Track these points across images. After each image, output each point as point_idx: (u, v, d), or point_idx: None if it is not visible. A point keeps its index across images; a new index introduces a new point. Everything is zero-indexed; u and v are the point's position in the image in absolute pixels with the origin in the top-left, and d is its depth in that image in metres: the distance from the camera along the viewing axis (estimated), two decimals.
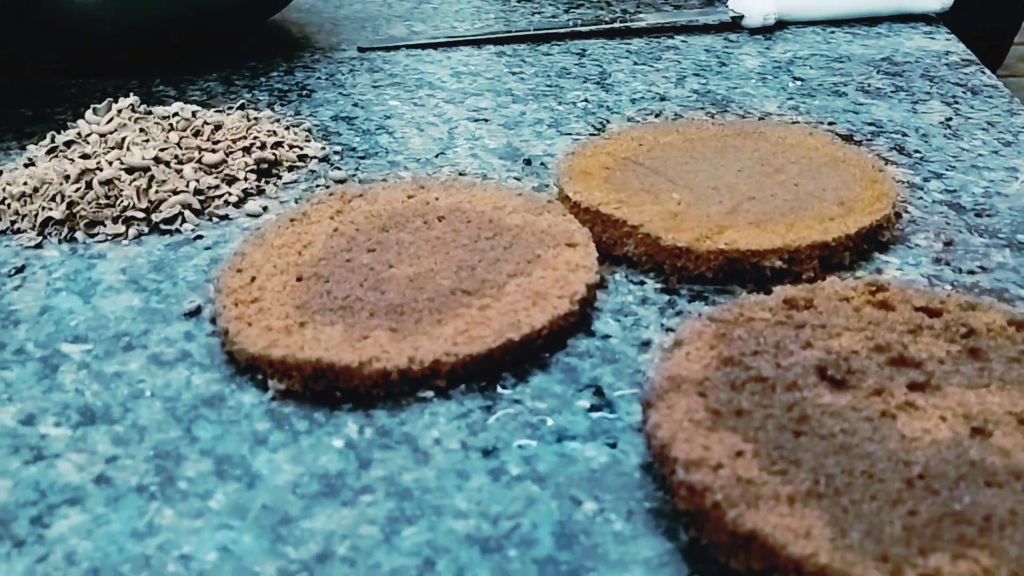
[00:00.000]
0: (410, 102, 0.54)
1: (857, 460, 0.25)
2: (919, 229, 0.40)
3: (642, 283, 0.37)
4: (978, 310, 0.31)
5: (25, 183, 0.42)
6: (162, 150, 0.43)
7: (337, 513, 0.27)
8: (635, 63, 0.59)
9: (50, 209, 0.41)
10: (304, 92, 0.56)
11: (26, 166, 0.44)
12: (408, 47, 0.62)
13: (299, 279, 0.35)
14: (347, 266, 0.35)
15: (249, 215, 0.42)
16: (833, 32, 0.63)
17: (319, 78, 0.58)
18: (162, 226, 0.41)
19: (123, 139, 0.44)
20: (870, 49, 0.60)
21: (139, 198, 0.41)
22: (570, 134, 0.49)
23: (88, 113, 0.47)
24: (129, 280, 0.38)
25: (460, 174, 0.45)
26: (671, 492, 0.26)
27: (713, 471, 0.25)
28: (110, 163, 0.42)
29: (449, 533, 0.26)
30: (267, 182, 0.45)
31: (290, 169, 0.46)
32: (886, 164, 0.45)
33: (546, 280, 0.34)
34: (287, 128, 0.49)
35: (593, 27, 0.64)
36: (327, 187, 0.44)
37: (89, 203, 0.41)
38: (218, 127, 0.46)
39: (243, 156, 0.45)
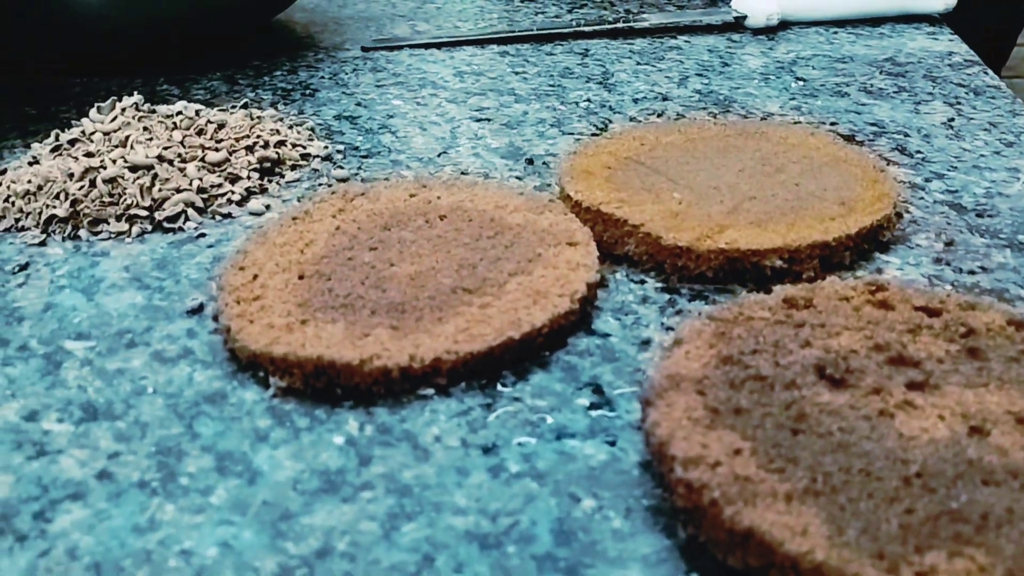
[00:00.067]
0: (413, 101, 0.54)
1: (855, 458, 0.25)
2: (920, 229, 0.40)
3: (643, 282, 0.37)
4: (978, 310, 0.31)
5: (29, 181, 0.42)
6: (165, 148, 0.43)
7: (337, 509, 0.27)
8: (638, 63, 0.59)
9: (54, 207, 0.41)
10: (307, 91, 0.56)
11: (30, 164, 0.45)
12: (411, 47, 0.63)
13: (301, 277, 0.35)
14: (349, 264, 0.35)
15: (252, 213, 0.42)
16: (836, 32, 0.63)
17: (322, 77, 0.58)
18: (165, 224, 0.41)
19: (127, 137, 0.44)
20: (873, 50, 0.60)
21: (142, 196, 0.41)
22: (572, 134, 0.49)
23: (92, 112, 0.47)
24: (132, 278, 0.38)
25: (462, 173, 0.45)
26: (669, 489, 0.26)
27: (711, 469, 0.25)
28: (114, 161, 0.42)
29: (448, 529, 0.26)
30: (270, 181, 0.45)
31: (293, 168, 0.46)
32: (888, 164, 0.45)
33: (547, 279, 0.34)
34: (290, 127, 0.49)
35: (596, 27, 0.64)
36: (329, 186, 0.44)
37: (93, 201, 0.41)
38: (221, 126, 0.46)
39: (246, 155, 0.45)
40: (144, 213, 0.41)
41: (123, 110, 0.47)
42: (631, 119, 0.51)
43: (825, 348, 0.30)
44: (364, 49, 0.63)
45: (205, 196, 0.42)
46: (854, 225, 0.36)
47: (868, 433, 0.26)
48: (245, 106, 0.51)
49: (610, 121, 0.51)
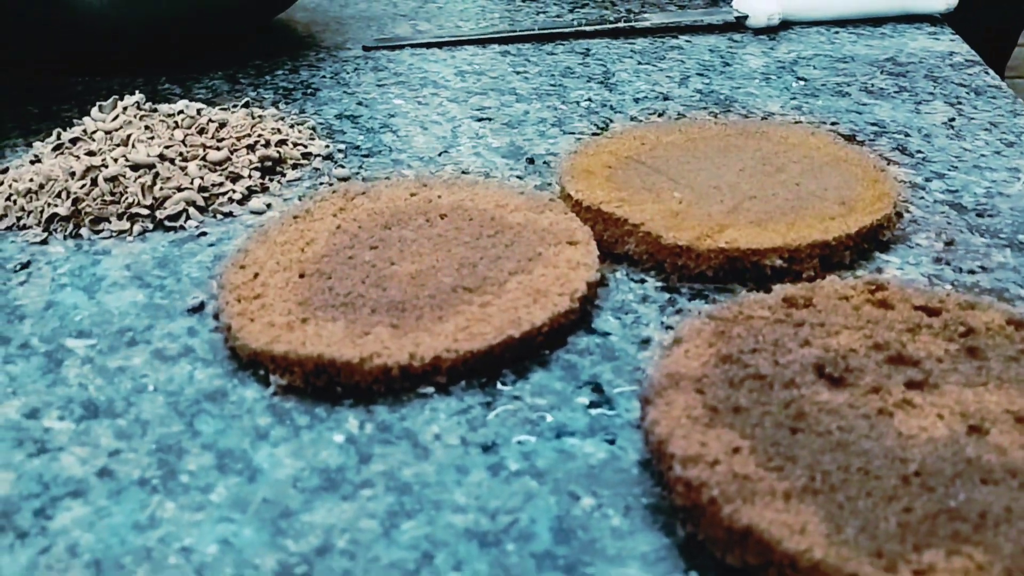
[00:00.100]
0: (414, 101, 0.54)
1: (853, 457, 0.25)
2: (920, 229, 0.40)
3: (643, 281, 0.37)
4: (977, 309, 0.31)
5: (31, 180, 0.42)
6: (167, 147, 0.43)
7: (337, 507, 0.27)
8: (639, 63, 0.59)
9: (55, 206, 0.41)
10: (309, 90, 0.56)
11: (32, 163, 0.45)
12: (413, 46, 0.63)
13: (301, 276, 0.35)
14: (349, 263, 0.35)
15: (253, 212, 0.42)
16: (837, 32, 0.63)
17: (324, 76, 0.58)
18: (166, 223, 0.41)
19: (128, 136, 0.44)
20: (874, 49, 0.60)
21: (144, 195, 0.41)
22: (573, 133, 0.49)
23: (94, 110, 0.47)
24: (133, 276, 0.38)
25: (463, 172, 0.45)
26: (668, 488, 0.26)
27: (710, 467, 0.25)
28: (115, 160, 0.42)
29: (448, 527, 0.26)
30: (271, 179, 0.45)
31: (294, 167, 0.46)
32: (888, 164, 0.45)
33: (547, 278, 0.34)
34: (291, 126, 0.49)
35: (597, 27, 0.64)
36: (330, 185, 0.45)
37: (94, 200, 0.41)
38: (223, 125, 0.46)
39: (247, 154, 0.45)
40: (145, 212, 0.41)
41: (125, 109, 0.47)
42: (632, 119, 0.51)
43: (824, 347, 0.30)
44: (365, 48, 0.63)
45: (206, 195, 0.42)
46: (854, 224, 0.36)
47: (867, 432, 0.26)
48: (247, 105, 0.51)
49: (611, 120, 0.51)
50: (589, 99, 0.54)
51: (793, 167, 0.41)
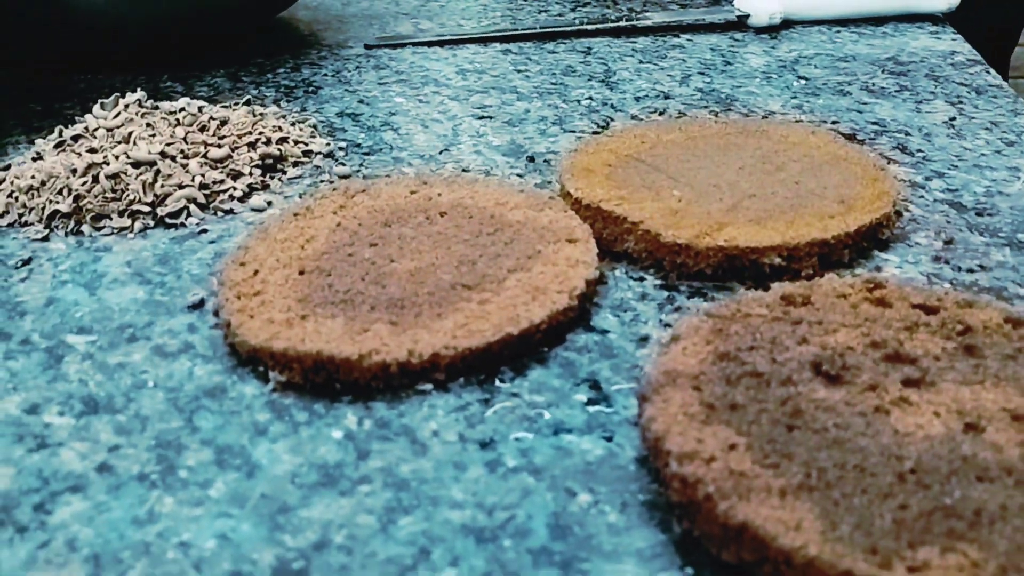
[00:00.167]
0: (415, 99, 0.54)
1: (849, 454, 0.25)
2: (919, 227, 0.40)
3: (641, 279, 0.37)
4: (975, 308, 0.31)
5: (33, 177, 0.42)
6: (168, 145, 0.44)
7: (335, 503, 0.27)
8: (640, 61, 0.59)
9: (57, 202, 0.41)
10: (310, 88, 0.56)
11: (34, 160, 0.45)
12: (414, 44, 0.63)
13: (301, 273, 0.35)
14: (349, 260, 0.35)
15: (253, 209, 0.43)
16: (839, 32, 0.63)
17: (325, 75, 0.58)
18: (167, 220, 0.41)
19: (130, 134, 0.44)
20: (875, 49, 0.60)
21: (145, 192, 0.42)
22: (574, 131, 0.49)
23: (96, 108, 0.47)
24: (134, 273, 0.38)
25: (463, 170, 0.45)
26: (665, 484, 0.26)
27: (706, 464, 0.25)
28: (116, 157, 0.42)
29: (445, 523, 0.26)
30: (272, 177, 0.45)
31: (295, 164, 0.46)
32: (888, 163, 0.45)
33: (546, 275, 0.34)
34: (292, 124, 0.50)
35: (599, 25, 0.64)
36: (331, 182, 0.45)
37: (95, 197, 0.41)
38: (224, 122, 0.47)
39: (248, 151, 0.45)
40: (146, 209, 0.41)
41: (126, 106, 0.47)
42: (633, 117, 0.51)
43: (822, 345, 0.30)
44: (367, 47, 0.63)
45: (207, 192, 0.43)
46: (853, 223, 0.36)
47: (863, 429, 0.26)
48: (248, 103, 0.51)
49: (612, 119, 0.51)
50: (590, 98, 0.54)
51: (793, 166, 0.41)
